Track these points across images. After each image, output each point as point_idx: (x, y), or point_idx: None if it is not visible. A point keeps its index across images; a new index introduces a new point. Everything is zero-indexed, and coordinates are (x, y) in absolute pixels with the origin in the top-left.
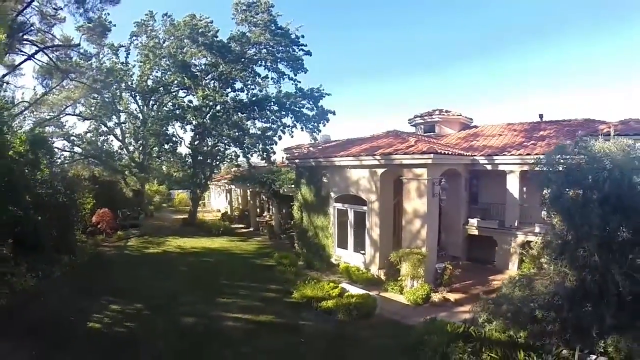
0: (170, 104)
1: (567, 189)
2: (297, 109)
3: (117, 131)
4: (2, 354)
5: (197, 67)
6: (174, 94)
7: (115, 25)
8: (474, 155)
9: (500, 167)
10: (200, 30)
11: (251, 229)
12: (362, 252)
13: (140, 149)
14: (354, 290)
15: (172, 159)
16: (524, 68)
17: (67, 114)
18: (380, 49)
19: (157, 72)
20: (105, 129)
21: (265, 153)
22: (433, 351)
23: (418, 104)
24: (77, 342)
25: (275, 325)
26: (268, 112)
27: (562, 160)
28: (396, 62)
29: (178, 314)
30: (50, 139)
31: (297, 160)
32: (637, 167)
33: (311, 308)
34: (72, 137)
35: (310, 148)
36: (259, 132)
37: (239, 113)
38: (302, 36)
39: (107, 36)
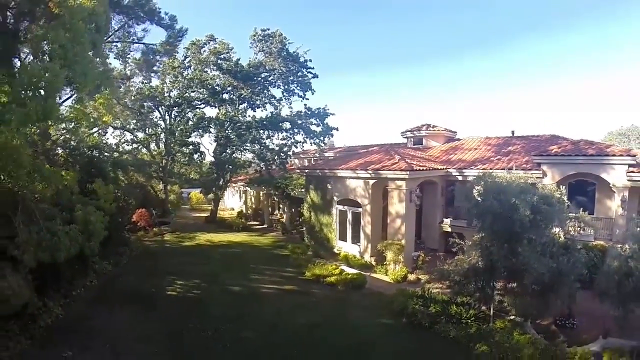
0: (190, 114)
1: (479, 202)
2: (307, 126)
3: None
4: (111, 313)
5: (219, 85)
6: (195, 106)
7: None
8: (448, 168)
9: (469, 178)
10: (222, 56)
11: (265, 226)
12: (358, 243)
13: (164, 154)
14: (351, 271)
15: (197, 166)
16: (525, 61)
17: (108, 126)
18: (384, 40)
19: (179, 89)
20: (135, 138)
21: (282, 165)
22: (398, 304)
23: (419, 93)
24: (164, 303)
25: (295, 291)
26: (283, 130)
27: (482, 182)
28: (399, 52)
29: (226, 285)
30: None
31: (306, 170)
32: (518, 191)
33: (319, 282)
34: (112, 148)
35: (316, 154)
36: (276, 148)
37: (260, 130)
38: (310, 60)
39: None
